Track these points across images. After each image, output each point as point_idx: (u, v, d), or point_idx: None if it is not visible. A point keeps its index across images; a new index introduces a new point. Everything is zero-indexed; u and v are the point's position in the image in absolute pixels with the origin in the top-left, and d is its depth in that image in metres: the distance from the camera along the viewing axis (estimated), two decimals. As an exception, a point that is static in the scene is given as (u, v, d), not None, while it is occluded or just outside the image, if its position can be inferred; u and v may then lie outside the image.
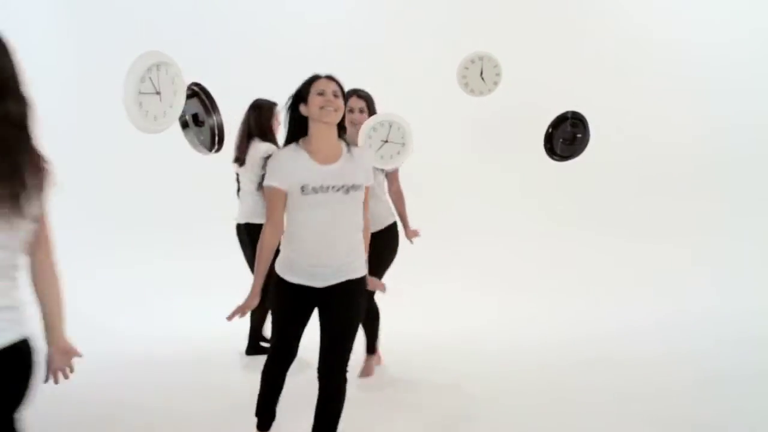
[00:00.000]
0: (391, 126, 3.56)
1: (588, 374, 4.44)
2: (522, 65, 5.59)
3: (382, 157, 3.63)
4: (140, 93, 2.75)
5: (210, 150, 3.27)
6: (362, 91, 3.84)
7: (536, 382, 4.28)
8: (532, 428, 3.60)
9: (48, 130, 5.61)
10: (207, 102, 3.35)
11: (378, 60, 6.06)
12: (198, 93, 3.39)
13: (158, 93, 2.78)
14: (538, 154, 6.11)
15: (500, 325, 5.38)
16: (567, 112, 3.72)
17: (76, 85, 5.93)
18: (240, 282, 4.48)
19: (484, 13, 6.15)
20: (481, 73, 4.37)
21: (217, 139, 3.24)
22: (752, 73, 6.27)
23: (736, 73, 6.26)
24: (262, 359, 3.14)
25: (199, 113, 3.16)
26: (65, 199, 6.34)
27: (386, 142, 3.62)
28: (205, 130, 3.35)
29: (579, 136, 3.53)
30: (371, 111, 3.82)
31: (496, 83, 4.48)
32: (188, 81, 3.30)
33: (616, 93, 6.04)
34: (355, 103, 3.76)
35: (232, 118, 4.03)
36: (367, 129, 3.64)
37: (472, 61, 4.35)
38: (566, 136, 3.60)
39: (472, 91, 4.52)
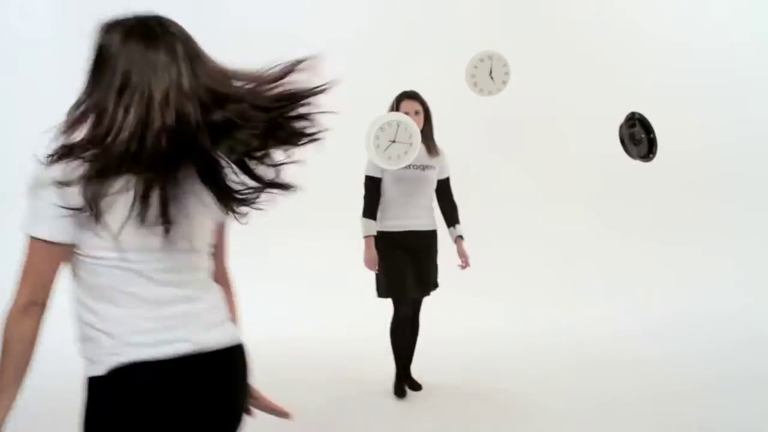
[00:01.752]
0: (398, 125, 3.51)
1: (593, 375, 4.44)
2: (531, 64, 5.55)
3: (389, 158, 3.58)
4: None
5: None
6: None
7: (541, 382, 4.29)
8: (537, 428, 3.59)
9: (46, 128, 5.49)
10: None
11: (385, 60, 6.02)
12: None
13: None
14: (547, 152, 6.05)
15: (506, 327, 5.38)
16: (631, 113, 3.68)
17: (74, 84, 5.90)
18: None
19: (494, 12, 6.11)
20: (490, 73, 4.31)
21: None
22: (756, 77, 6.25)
23: (741, 77, 6.24)
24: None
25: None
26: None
27: (394, 142, 3.57)
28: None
29: (643, 137, 3.48)
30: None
31: (505, 82, 4.41)
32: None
33: (617, 94, 5.98)
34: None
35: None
36: (375, 129, 3.59)
37: (481, 60, 4.29)
38: (636, 137, 3.57)
39: (481, 91, 4.45)
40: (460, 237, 4.10)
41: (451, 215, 4.12)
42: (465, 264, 4.12)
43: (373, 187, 3.93)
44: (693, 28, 6.19)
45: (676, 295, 5.77)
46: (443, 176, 4.09)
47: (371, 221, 3.92)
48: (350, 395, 4.12)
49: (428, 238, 4.03)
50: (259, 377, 3.80)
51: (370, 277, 4.01)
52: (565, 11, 6.29)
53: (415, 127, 3.48)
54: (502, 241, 6.12)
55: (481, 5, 6.18)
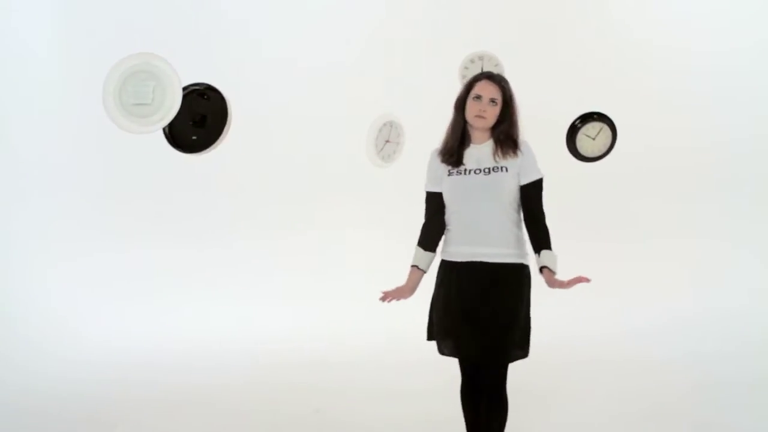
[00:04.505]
0: (392, 125, 3.55)
1: (591, 375, 4.44)
2: (524, 64, 5.54)
3: (383, 157, 3.61)
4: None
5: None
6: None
7: (539, 382, 4.28)
8: (535, 427, 3.62)
9: (48, 126, 5.52)
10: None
11: (377, 59, 6.03)
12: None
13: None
14: (541, 153, 6.04)
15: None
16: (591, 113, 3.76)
17: (75, 84, 5.93)
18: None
19: (486, 12, 6.10)
20: (482, 73, 4.34)
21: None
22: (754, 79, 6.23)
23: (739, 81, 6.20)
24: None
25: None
26: (67, 194, 6.24)
27: (388, 141, 3.62)
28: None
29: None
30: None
31: (497, 82, 4.42)
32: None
33: (616, 95, 5.97)
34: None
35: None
36: (374, 131, 3.62)
37: (472, 61, 4.31)
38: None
39: (473, 91, 4.47)
40: (547, 268, 2.85)
41: (536, 237, 2.91)
42: (576, 282, 2.84)
43: (430, 205, 2.98)
44: (690, 31, 6.18)
45: (676, 295, 5.76)
46: (526, 180, 2.90)
47: (419, 249, 2.98)
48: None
49: (502, 276, 2.82)
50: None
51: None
52: (563, 13, 6.27)
53: (401, 128, 3.48)
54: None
55: (480, 7, 6.18)
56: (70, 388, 4.39)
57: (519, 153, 2.89)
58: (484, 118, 2.86)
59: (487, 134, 2.91)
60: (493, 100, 2.87)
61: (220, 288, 5.84)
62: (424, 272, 2.97)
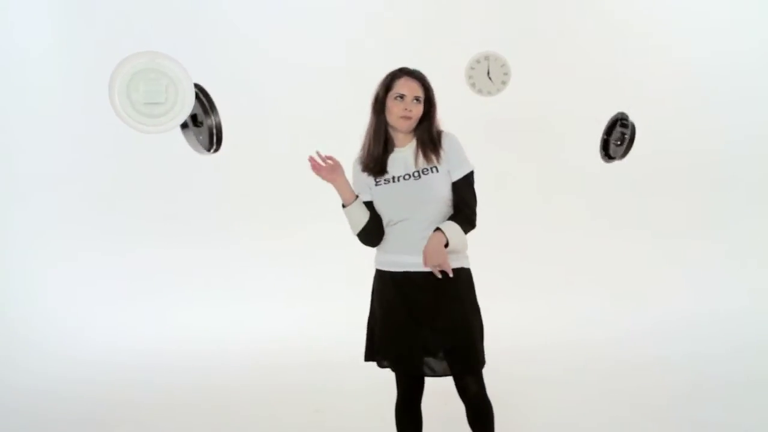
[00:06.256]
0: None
1: (591, 375, 4.45)
2: (533, 65, 5.54)
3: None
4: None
5: (208, 150, 3.24)
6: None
7: (539, 381, 4.29)
8: (535, 428, 3.62)
9: (48, 125, 5.48)
10: (206, 102, 3.33)
11: (383, 59, 6.01)
12: (197, 94, 3.37)
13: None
14: (549, 153, 6.03)
15: (506, 327, 5.38)
16: (618, 114, 3.74)
17: (81, 86, 5.92)
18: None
19: (488, 11, 6.10)
20: (488, 73, 4.33)
21: (215, 139, 3.22)
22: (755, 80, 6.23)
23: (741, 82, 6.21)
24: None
25: (198, 114, 3.12)
26: (67, 194, 6.23)
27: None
28: (204, 130, 3.31)
29: (626, 136, 3.56)
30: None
31: (504, 83, 4.44)
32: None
33: (618, 95, 5.98)
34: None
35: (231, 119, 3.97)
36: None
37: (478, 61, 4.32)
38: (617, 138, 3.66)
39: (479, 91, 4.49)
40: (440, 230, 2.58)
41: (455, 216, 2.67)
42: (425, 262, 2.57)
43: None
44: (694, 34, 6.18)
45: (675, 295, 5.78)
46: (457, 176, 2.68)
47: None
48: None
49: (441, 283, 2.61)
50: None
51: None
52: (567, 15, 6.27)
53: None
54: (501, 242, 6.13)
55: (482, 6, 6.17)
56: (70, 388, 4.37)
57: (442, 151, 2.67)
58: (410, 118, 2.65)
59: (411, 135, 2.71)
60: (417, 98, 2.66)
61: (220, 288, 5.82)
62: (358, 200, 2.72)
